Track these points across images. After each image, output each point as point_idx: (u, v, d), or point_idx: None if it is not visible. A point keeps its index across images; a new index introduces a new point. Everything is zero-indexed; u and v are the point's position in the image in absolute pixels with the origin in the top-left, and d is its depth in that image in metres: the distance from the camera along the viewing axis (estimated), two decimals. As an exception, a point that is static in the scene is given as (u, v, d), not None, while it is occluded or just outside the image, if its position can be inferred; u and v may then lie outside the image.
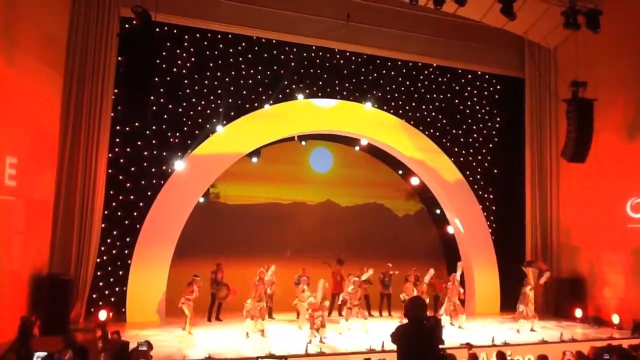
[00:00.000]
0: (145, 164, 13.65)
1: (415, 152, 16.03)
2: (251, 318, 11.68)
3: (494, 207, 16.94)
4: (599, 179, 14.98)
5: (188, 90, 14.17)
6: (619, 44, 14.48)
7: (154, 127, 13.75)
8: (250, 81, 14.74)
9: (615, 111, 14.55)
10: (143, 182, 13.57)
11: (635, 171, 14.29)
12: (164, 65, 13.83)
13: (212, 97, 14.33)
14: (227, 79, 14.46)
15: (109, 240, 13.14)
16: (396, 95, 16.19)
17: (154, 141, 13.75)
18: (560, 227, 16.28)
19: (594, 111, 13.20)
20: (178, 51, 14.13)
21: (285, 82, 14.91)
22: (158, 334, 11.52)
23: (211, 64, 14.42)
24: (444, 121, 16.71)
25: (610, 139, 14.56)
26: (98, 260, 12.78)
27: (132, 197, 13.45)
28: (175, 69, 14.07)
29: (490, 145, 17.21)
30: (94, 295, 12.83)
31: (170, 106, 13.97)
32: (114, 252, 13.20)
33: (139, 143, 13.62)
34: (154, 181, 13.62)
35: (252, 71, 14.78)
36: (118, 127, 13.30)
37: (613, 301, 14.65)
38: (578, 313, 14.78)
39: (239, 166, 14.82)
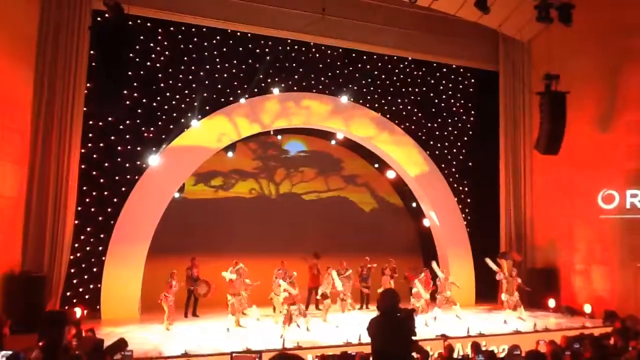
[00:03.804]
0: (119, 159, 13.49)
1: (390, 146, 16.10)
2: (233, 313, 11.79)
3: (469, 200, 17.12)
4: (571, 170, 15.20)
5: (162, 84, 14.02)
6: (591, 38, 14.68)
7: (127, 122, 13.59)
8: (225, 75, 14.65)
9: (588, 104, 14.77)
10: (117, 177, 13.42)
11: (606, 163, 14.55)
12: (137, 59, 13.61)
13: (186, 91, 14.20)
14: (201, 73, 14.33)
15: (82, 237, 12.98)
16: (372, 88, 16.21)
17: (127, 136, 13.59)
18: (534, 219, 16.53)
19: (567, 104, 13.39)
20: (152, 45, 13.96)
21: (261, 76, 14.82)
22: (133, 331, 11.44)
23: (185, 58, 14.28)
24: (419, 114, 16.80)
25: (582, 131, 14.78)
26: (72, 257, 12.62)
27: (105, 193, 13.29)
28: (149, 63, 13.91)
29: (465, 138, 17.37)
30: (68, 293, 12.66)
31: (144, 100, 13.82)
32: (87, 248, 13.05)
33: (113, 138, 13.46)
34: (128, 177, 13.47)
35: (227, 65, 14.68)
36: (91, 122, 13.12)
37: (585, 291, 14.93)
38: (551, 303, 15.03)
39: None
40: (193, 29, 14.34)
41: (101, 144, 13.33)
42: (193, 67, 14.31)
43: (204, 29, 14.42)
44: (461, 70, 17.49)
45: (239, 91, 14.61)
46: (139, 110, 13.75)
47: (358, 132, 15.90)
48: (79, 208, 12.85)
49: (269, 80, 14.94)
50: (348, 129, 15.77)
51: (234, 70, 14.74)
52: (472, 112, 17.56)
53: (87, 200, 13.10)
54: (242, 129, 14.56)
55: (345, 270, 13.70)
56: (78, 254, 12.88)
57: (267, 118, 14.78)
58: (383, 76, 16.45)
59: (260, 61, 14.91)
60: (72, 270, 12.72)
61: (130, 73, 12.95)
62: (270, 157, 16.88)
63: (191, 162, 14.18)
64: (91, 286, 13.03)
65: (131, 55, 13.04)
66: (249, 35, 14.89)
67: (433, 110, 17.04)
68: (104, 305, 12.88)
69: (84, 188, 13.00)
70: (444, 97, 17.25)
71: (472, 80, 17.65)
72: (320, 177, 17.39)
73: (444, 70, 17.27)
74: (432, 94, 17.08)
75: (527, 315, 13.53)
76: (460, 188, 17.06)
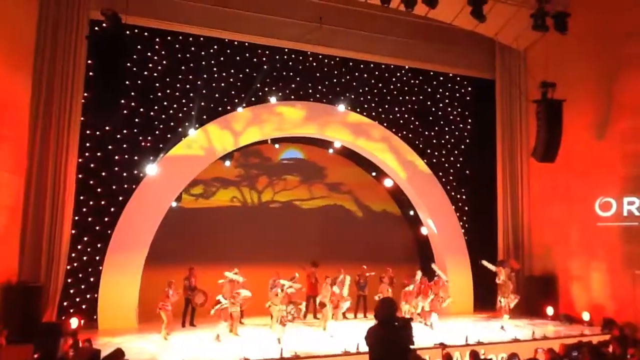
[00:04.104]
0: (116, 169, 13.47)
1: (388, 154, 16.12)
2: (225, 319, 11.77)
3: (466, 208, 17.11)
4: (568, 178, 15.22)
5: (160, 94, 14.03)
6: (586, 45, 14.74)
7: (125, 131, 13.58)
8: (223, 84, 14.67)
9: (584, 111, 14.80)
10: (114, 186, 13.39)
11: (603, 170, 14.56)
12: (134, 69, 13.66)
13: (184, 100, 14.20)
14: (199, 82, 14.32)
15: (79, 247, 12.93)
16: (369, 97, 16.25)
17: (125, 145, 13.59)
18: (532, 226, 16.53)
19: (563, 111, 13.44)
20: (149, 54, 13.99)
21: (258, 85, 14.84)
22: (130, 341, 11.38)
23: (183, 67, 14.30)
24: (417, 123, 16.83)
25: (579, 139, 14.81)
26: (68, 267, 12.57)
27: (103, 202, 13.26)
28: (146, 72, 13.92)
29: (462, 146, 17.40)
30: (65, 303, 12.59)
31: (141, 110, 13.83)
32: (84, 258, 12.99)
33: (110, 147, 13.44)
34: (126, 186, 13.45)
35: (224, 74, 14.71)
36: (88, 132, 13.10)
37: (583, 299, 14.90)
38: (549, 311, 14.99)
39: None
40: (190, 39, 14.37)
41: (98, 153, 13.31)
42: (190, 77, 14.32)
43: (201, 39, 14.46)
44: (458, 78, 17.55)
45: (236, 100, 14.64)
46: (137, 120, 13.76)
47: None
48: (76, 217, 12.82)
49: (267, 89, 14.97)
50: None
51: (231, 80, 14.76)
52: (469, 120, 17.61)
53: (84, 209, 13.07)
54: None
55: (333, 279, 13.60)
56: (75, 264, 12.83)
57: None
58: (380, 84, 16.50)
59: (258, 70, 14.92)
60: (69, 280, 12.68)
61: (127, 82, 13.11)
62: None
63: (188, 171, 14.19)
64: (88, 296, 12.98)
65: (129, 64, 13.19)
66: (246, 44, 14.92)
67: (430, 118, 17.08)
68: (101, 315, 12.83)
69: (81, 197, 12.97)
70: (441, 105, 17.29)
71: (469, 89, 17.70)
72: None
73: (441, 78, 17.33)
74: (429, 102, 17.12)
75: (512, 326, 13.44)
76: (458, 196, 17.07)
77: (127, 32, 11.92)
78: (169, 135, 13.94)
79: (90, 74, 12.53)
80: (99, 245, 13.10)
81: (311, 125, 15.43)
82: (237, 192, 16.42)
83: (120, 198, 13.35)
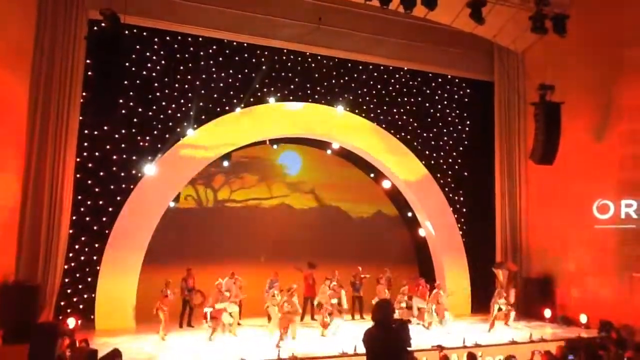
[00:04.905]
0: (114, 168, 13.45)
1: (386, 155, 16.12)
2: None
3: (464, 209, 17.11)
4: (566, 180, 15.21)
5: (158, 94, 14.02)
6: (585, 48, 14.74)
7: (123, 131, 13.56)
8: (221, 84, 14.66)
9: (582, 113, 14.81)
10: (112, 186, 13.37)
11: (601, 173, 14.57)
12: (133, 68, 13.66)
13: (182, 101, 14.19)
14: (197, 82, 14.32)
15: (77, 246, 12.92)
16: (367, 98, 16.25)
17: (123, 145, 13.56)
18: (529, 228, 16.53)
19: (562, 114, 13.45)
20: (147, 54, 13.97)
21: (257, 86, 14.85)
22: (128, 341, 11.37)
23: (181, 67, 14.28)
24: (415, 124, 16.84)
25: (577, 141, 14.81)
26: (66, 266, 12.55)
27: (100, 202, 13.25)
28: (144, 72, 13.91)
29: (461, 148, 17.40)
30: (62, 303, 12.58)
31: (139, 109, 13.81)
32: (82, 258, 12.98)
33: (108, 147, 13.42)
34: (124, 185, 13.44)
35: (222, 74, 14.70)
36: (86, 131, 13.10)
37: (581, 301, 14.89)
38: (547, 313, 14.99)
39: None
40: (189, 39, 14.36)
41: (96, 153, 13.30)
42: (189, 77, 14.31)
43: (200, 39, 14.45)
44: (456, 80, 17.55)
45: (235, 100, 14.65)
46: (135, 119, 13.74)
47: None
48: (74, 217, 12.80)
49: (265, 90, 14.97)
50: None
51: (230, 80, 14.75)
52: (468, 121, 17.60)
53: (82, 209, 13.06)
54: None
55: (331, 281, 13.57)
56: (72, 264, 12.82)
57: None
58: (379, 86, 16.49)
59: (256, 70, 14.92)
60: (67, 280, 12.67)
61: (126, 82, 13.13)
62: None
63: (187, 171, 14.18)
64: (85, 296, 12.97)
65: (127, 64, 13.19)
66: (245, 44, 14.91)
67: (429, 120, 17.08)
68: (99, 315, 12.82)
69: (79, 197, 12.95)
70: (439, 106, 17.30)
71: (468, 91, 17.70)
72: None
73: (439, 80, 17.33)
74: (427, 104, 17.12)
75: (520, 324, 13.48)
76: (456, 197, 17.06)
77: (126, 32, 11.93)
78: (167, 135, 13.93)
79: (89, 73, 12.52)
80: (96, 245, 13.09)
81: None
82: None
83: (118, 198, 13.33)
